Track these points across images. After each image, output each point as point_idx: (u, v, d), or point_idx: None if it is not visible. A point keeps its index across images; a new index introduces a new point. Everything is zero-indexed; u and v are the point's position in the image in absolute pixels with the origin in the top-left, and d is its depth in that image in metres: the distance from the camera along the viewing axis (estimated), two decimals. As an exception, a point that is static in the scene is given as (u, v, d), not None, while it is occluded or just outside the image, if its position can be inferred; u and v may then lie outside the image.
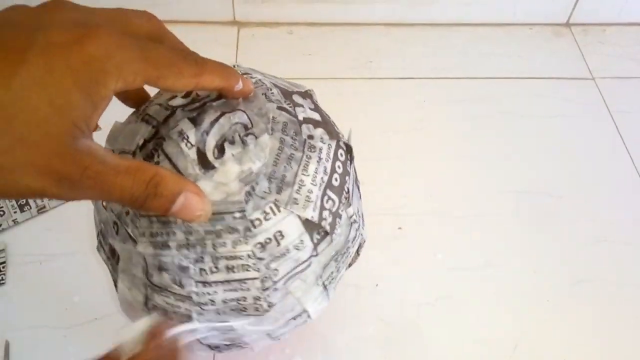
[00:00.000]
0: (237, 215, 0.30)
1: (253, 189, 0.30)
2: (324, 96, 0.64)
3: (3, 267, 0.50)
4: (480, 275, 0.51)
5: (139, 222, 0.31)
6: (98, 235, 0.36)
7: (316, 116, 0.35)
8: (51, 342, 0.46)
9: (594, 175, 0.59)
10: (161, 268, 0.31)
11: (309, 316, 0.35)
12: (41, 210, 0.53)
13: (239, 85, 0.31)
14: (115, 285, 0.35)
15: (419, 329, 0.48)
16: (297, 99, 0.35)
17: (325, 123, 0.35)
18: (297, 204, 0.31)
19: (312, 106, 0.36)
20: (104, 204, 0.34)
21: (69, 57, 0.24)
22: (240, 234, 0.30)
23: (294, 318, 0.35)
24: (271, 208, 0.31)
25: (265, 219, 0.31)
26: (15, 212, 0.53)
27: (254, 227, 0.30)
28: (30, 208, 0.53)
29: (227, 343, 0.36)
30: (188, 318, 0.33)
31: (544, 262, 0.53)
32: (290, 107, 0.34)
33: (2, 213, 0.52)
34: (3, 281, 0.49)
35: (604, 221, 0.56)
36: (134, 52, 0.25)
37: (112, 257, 0.34)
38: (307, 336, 0.47)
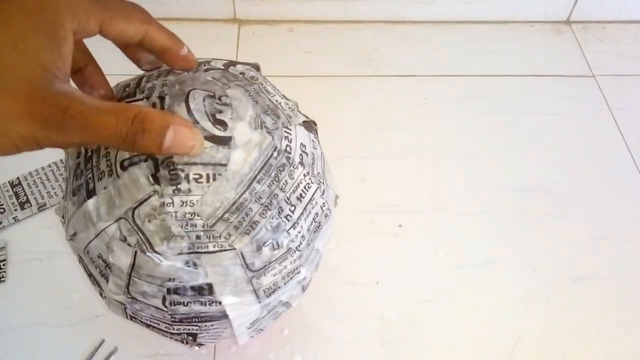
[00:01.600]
0: (275, 154, 0.33)
1: (266, 127, 0.33)
2: (325, 94, 0.64)
3: (3, 265, 0.50)
4: (480, 273, 0.52)
5: (218, 228, 0.31)
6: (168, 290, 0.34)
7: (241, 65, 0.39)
8: (51, 339, 0.46)
9: (594, 172, 0.59)
10: (259, 247, 0.33)
11: (337, 196, 0.41)
12: (41, 207, 0.53)
13: (184, 50, 0.32)
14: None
15: (419, 327, 0.48)
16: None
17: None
18: (291, 115, 0.36)
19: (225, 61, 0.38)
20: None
21: (23, 2, 0.24)
22: (288, 164, 0.33)
23: (334, 205, 0.39)
24: (285, 131, 0.34)
25: (290, 141, 0.34)
26: (15, 210, 0.53)
27: (290, 152, 0.34)
28: (31, 205, 0.53)
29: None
30: (298, 274, 0.35)
31: (544, 260, 0.53)
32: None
33: (2, 210, 0.52)
34: (3, 279, 0.49)
35: (604, 218, 0.56)
36: None
37: (199, 294, 0.34)
38: (307, 334, 0.47)
